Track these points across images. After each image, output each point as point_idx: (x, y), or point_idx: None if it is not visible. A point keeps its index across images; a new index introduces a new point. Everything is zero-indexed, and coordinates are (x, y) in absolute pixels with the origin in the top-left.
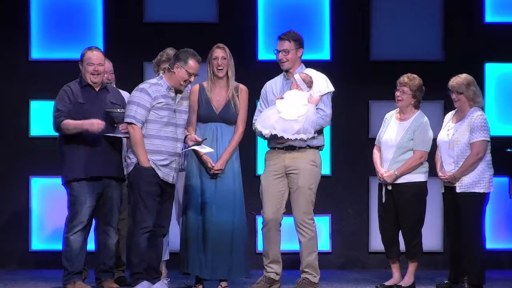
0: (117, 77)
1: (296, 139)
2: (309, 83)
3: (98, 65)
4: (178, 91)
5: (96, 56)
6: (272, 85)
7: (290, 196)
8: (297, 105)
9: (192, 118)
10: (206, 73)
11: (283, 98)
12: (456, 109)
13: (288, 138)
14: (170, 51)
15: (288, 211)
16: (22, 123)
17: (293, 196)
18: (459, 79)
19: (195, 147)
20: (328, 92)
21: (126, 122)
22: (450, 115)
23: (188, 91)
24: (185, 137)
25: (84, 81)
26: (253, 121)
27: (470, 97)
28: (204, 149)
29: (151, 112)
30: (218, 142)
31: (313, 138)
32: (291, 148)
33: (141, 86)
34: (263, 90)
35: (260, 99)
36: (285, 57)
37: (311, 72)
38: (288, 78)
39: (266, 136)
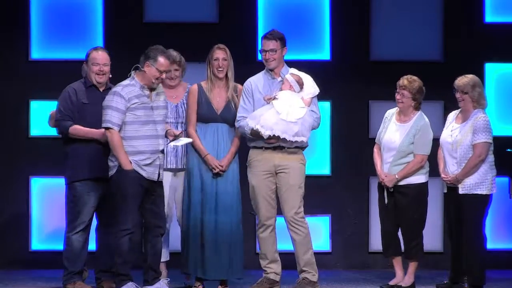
0: (117, 77)
1: (297, 141)
2: (302, 85)
3: (103, 65)
4: (151, 89)
5: (101, 56)
6: (257, 83)
7: (279, 195)
8: (294, 107)
9: (192, 118)
10: (203, 73)
11: (276, 98)
12: (460, 109)
13: (289, 140)
14: (173, 53)
15: (278, 211)
16: (22, 123)
17: (284, 195)
18: (465, 79)
19: (173, 143)
20: (316, 94)
21: (103, 127)
22: (453, 114)
23: (187, 90)
24: (166, 132)
25: (89, 81)
26: (238, 118)
27: (475, 98)
28: (181, 142)
29: (127, 114)
30: (219, 142)
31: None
32: (279, 147)
33: (114, 89)
34: (247, 87)
35: (244, 95)
36: (272, 56)
37: (297, 72)
38: (274, 77)
39: (265, 137)
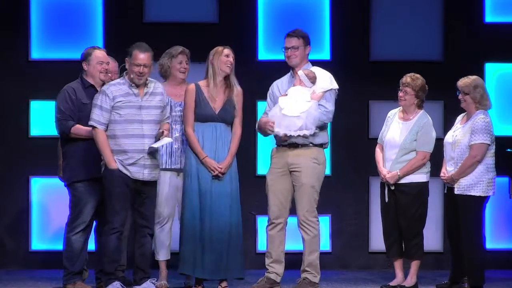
0: (117, 77)
1: (299, 135)
2: (313, 79)
3: (106, 63)
4: (139, 86)
5: (103, 55)
6: (278, 84)
7: (294, 194)
8: (299, 101)
9: (190, 117)
10: (203, 72)
11: (286, 95)
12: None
13: (291, 135)
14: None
15: (291, 210)
16: (22, 123)
17: (297, 194)
18: (467, 80)
19: (154, 145)
20: (331, 89)
21: (89, 126)
22: (461, 116)
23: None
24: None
25: (87, 81)
26: (258, 121)
27: (477, 99)
28: (161, 142)
29: (112, 112)
30: (217, 142)
31: (314, 135)
32: (294, 145)
33: (102, 88)
34: (269, 91)
35: (267, 100)
36: (293, 53)
37: (316, 69)
38: (294, 76)
39: (278, 134)
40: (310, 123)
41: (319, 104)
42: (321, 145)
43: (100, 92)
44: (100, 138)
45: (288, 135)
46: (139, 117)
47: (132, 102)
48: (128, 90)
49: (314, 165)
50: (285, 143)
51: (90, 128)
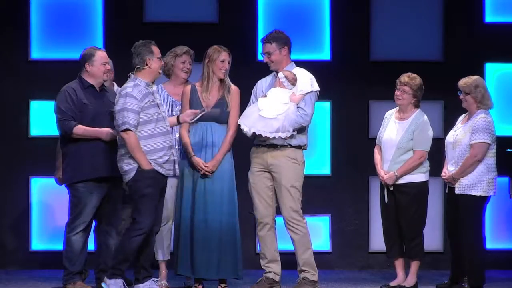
0: (117, 77)
1: (275, 137)
2: (292, 81)
3: (108, 63)
4: (152, 83)
5: (105, 55)
6: (263, 83)
7: (276, 194)
8: (277, 103)
9: None
10: (199, 71)
11: (266, 96)
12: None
13: (267, 136)
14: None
15: (278, 210)
16: (22, 123)
17: (279, 195)
18: (468, 80)
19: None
20: (311, 92)
21: (122, 130)
22: (462, 116)
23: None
24: (177, 117)
25: (86, 81)
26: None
27: (478, 99)
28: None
29: (141, 114)
30: (207, 140)
31: (292, 136)
32: (272, 146)
33: (123, 92)
34: (254, 88)
35: (251, 97)
36: (269, 59)
37: (298, 71)
38: (276, 76)
39: (247, 134)
40: (287, 126)
41: (297, 107)
42: (300, 147)
43: (125, 96)
44: (134, 140)
45: (264, 136)
46: (162, 115)
47: (153, 101)
48: (146, 90)
49: (294, 165)
50: (264, 143)
51: (91, 128)
